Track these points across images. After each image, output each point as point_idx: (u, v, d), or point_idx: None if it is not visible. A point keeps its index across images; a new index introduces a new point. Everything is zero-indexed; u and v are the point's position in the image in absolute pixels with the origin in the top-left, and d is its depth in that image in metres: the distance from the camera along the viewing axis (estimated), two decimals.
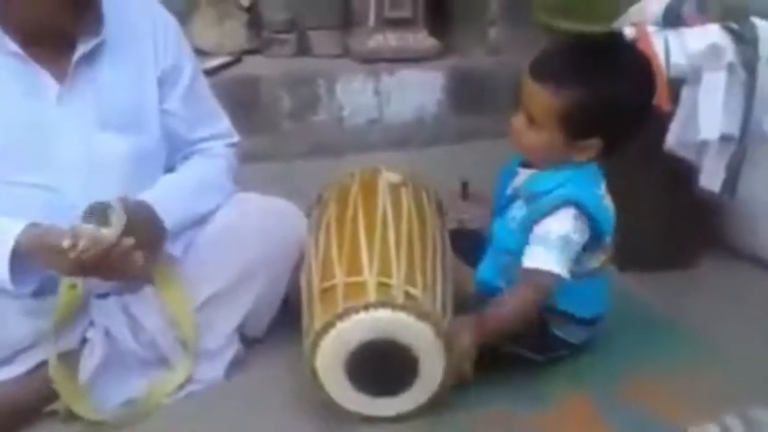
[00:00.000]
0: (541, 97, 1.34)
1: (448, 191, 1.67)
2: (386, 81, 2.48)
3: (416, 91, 2.51)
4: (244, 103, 2.27)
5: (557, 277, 1.33)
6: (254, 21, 2.57)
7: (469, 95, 2.54)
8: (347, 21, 2.60)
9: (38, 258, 1.23)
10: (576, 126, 1.34)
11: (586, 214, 1.35)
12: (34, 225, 1.23)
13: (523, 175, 1.46)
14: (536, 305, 1.34)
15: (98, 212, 1.22)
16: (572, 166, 1.38)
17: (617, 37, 1.54)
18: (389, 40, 2.51)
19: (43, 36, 1.28)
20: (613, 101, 1.31)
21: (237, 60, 2.48)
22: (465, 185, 1.65)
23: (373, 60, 2.49)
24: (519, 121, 1.39)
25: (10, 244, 1.21)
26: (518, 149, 1.44)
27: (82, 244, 1.16)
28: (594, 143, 1.36)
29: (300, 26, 2.55)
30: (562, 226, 1.33)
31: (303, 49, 2.55)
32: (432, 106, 2.53)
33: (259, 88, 2.41)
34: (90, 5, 1.30)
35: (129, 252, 1.21)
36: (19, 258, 1.22)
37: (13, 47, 1.27)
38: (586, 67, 1.33)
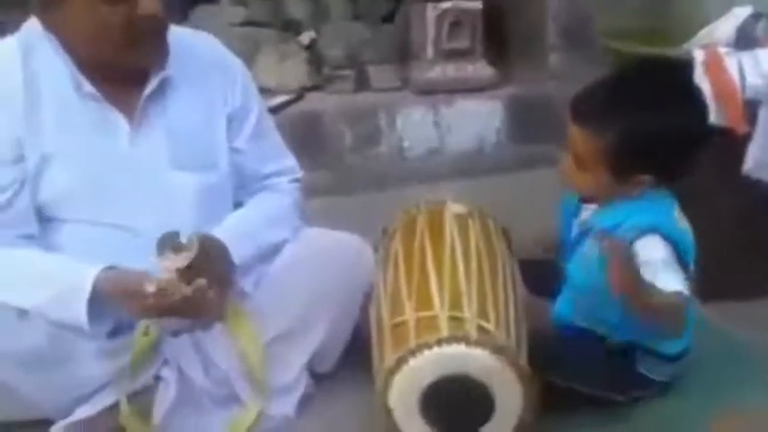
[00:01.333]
0: (583, 139, 1.32)
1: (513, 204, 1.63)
2: (445, 111, 2.48)
3: (476, 120, 2.51)
4: (307, 139, 2.30)
5: (682, 296, 1.25)
6: (315, 58, 2.62)
7: (529, 123, 2.52)
8: (405, 54, 2.62)
9: (114, 301, 1.25)
10: (622, 165, 1.31)
11: (668, 239, 1.29)
12: (111, 268, 1.26)
13: (587, 210, 1.42)
14: (676, 319, 1.27)
15: (169, 240, 1.23)
16: (638, 196, 1.34)
17: (663, 65, 1.49)
18: (448, 70, 2.52)
19: (116, 75, 1.31)
20: (657, 135, 1.27)
21: (300, 97, 2.52)
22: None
23: (432, 92, 2.50)
24: (566, 162, 1.37)
25: (88, 287, 1.23)
26: (568, 186, 1.42)
27: (157, 288, 1.18)
28: (645, 179, 1.32)
29: (359, 61, 2.59)
30: (657, 249, 1.27)
31: (363, 84, 2.58)
32: (491, 135, 2.52)
33: (321, 124, 2.44)
34: (158, 43, 1.32)
35: (202, 291, 1.22)
36: (96, 301, 1.24)
37: (89, 88, 1.30)
38: (626, 104, 1.30)
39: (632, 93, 1.31)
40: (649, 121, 1.27)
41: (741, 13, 1.64)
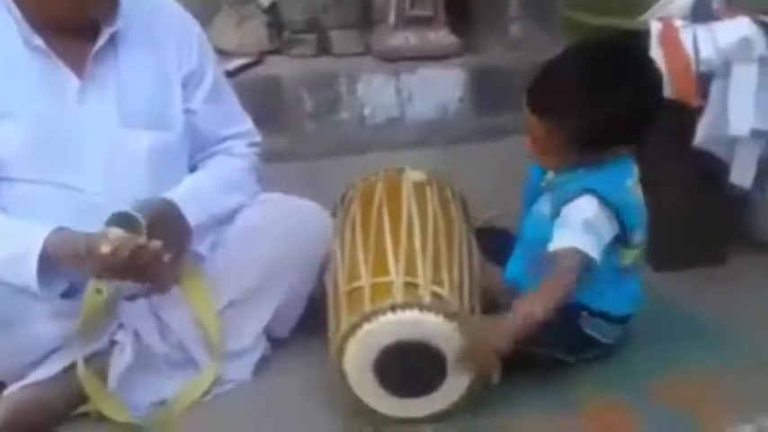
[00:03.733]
0: (543, 130, 1.34)
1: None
2: (407, 79, 2.46)
3: (438, 89, 2.49)
4: (266, 104, 2.26)
5: (583, 256, 1.30)
6: (275, 21, 2.56)
7: (491, 93, 2.51)
8: (368, 19, 2.58)
9: (65, 262, 1.23)
10: (585, 146, 1.33)
11: (609, 205, 1.33)
12: (61, 229, 1.24)
13: (551, 173, 1.44)
14: (566, 290, 1.30)
15: (121, 220, 1.22)
16: (597, 162, 1.37)
17: (611, 41, 1.50)
18: (410, 38, 2.49)
19: (66, 30, 1.28)
20: (613, 114, 1.30)
21: (259, 61, 2.47)
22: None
23: (394, 59, 2.47)
24: (531, 144, 1.38)
25: (38, 249, 1.21)
26: (538, 165, 1.44)
27: (109, 248, 1.16)
28: (608, 152, 1.35)
29: (321, 26, 2.54)
30: (583, 211, 1.32)
31: (324, 49, 2.54)
32: (453, 104, 2.51)
33: (281, 88, 2.40)
34: None
35: (157, 254, 1.21)
36: (46, 262, 1.22)
37: (38, 41, 1.27)
38: (578, 91, 1.31)
39: (583, 76, 1.32)
40: (606, 102, 1.29)
41: None
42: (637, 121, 1.34)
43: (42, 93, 1.29)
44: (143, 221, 1.22)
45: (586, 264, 1.31)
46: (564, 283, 1.29)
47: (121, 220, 1.22)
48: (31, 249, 1.21)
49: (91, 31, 1.30)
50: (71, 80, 1.31)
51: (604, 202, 1.32)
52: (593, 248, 1.30)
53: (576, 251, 1.30)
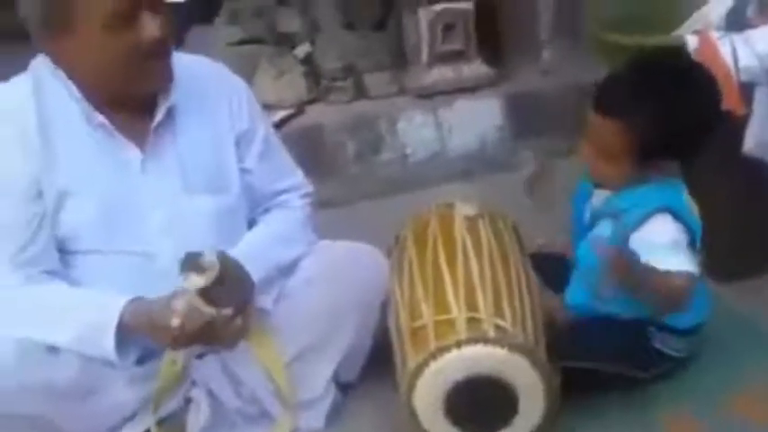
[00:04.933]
0: (609, 131, 1.34)
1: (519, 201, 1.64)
2: (445, 114, 2.51)
3: (476, 120, 2.53)
4: (310, 152, 2.32)
5: (691, 276, 1.31)
6: (311, 71, 2.64)
7: (528, 119, 2.54)
8: (400, 59, 2.64)
9: (140, 333, 1.28)
10: (648, 152, 1.34)
11: (680, 219, 1.34)
12: (135, 299, 1.28)
13: (600, 196, 1.45)
14: (679, 301, 1.32)
15: (191, 260, 1.25)
16: (650, 182, 1.37)
17: (674, 52, 1.52)
18: (444, 72, 2.54)
19: (125, 104, 1.34)
20: (681, 121, 1.31)
21: (300, 111, 2.54)
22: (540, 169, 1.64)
23: (431, 95, 2.52)
24: (588, 152, 1.39)
25: (114, 321, 1.26)
26: (594, 179, 1.44)
27: (185, 322, 1.21)
28: (668, 163, 1.36)
29: (356, 71, 2.61)
30: (666, 230, 1.33)
31: (361, 93, 2.60)
32: (492, 133, 2.54)
33: (323, 136, 2.46)
34: (163, 68, 1.34)
35: (228, 321, 1.25)
36: (122, 332, 1.27)
37: (100, 119, 1.32)
38: (648, 93, 1.33)
39: (652, 81, 1.34)
40: (673, 108, 1.31)
41: None
42: (700, 131, 1.35)
43: (107, 168, 1.35)
44: (216, 260, 1.24)
45: (694, 282, 1.33)
46: (680, 296, 1.33)
47: (194, 260, 1.24)
48: (109, 321, 1.26)
49: (148, 106, 1.36)
50: (134, 153, 1.36)
51: (676, 216, 1.34)
52: (693, 265, 1.32)
53: (687, 273, 1.31)
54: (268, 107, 2.43)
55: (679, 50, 1.58)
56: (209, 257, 1.25)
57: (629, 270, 1.30)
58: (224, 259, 1.28)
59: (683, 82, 1.34)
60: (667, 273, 1.31)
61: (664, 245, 1.31)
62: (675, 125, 1.31)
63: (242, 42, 2.76)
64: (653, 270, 1.31)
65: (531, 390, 1.27)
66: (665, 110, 1.31)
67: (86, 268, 1.36)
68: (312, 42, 2.72)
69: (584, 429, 1.34)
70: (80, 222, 1.34)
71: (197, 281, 1.23)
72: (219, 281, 1.24)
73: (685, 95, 1.32)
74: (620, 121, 1.33)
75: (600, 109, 1.35)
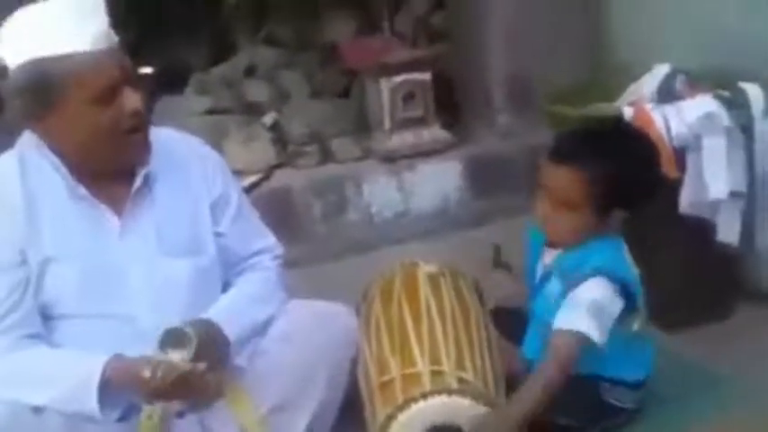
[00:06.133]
0: (568, 178, 1.44)
1: (480, 258, 1.74)
2: (408, 176, 2.62)
3: (437, 182, 2.64)
4: (278, 214, 2.37)
5: (583, 338, 1.38)
6: (279, 137, 2.74)
7: (486, 180, 2.67)
8: (364, 125, 2.76)
9: (123, 388, 1.33)
10: (605, 200, 1.44)
11: (617, 282, 1.44)
12: (119, 356, 1.34)
13: (550, 254, 1.56)
14: (561, 372, 1.38)
15: (173, 337, 1.33)
16: (595, 239, 1.49)
17: (617, 119, 1.69)
18: (406, 138, 2.65)
19: (104, 174, 1.41)
20: (631, 173, 1.44)
21: (268, 176, 2.62)
22: (497, 251, 1.75)
23: (394, 159, 2.64)
24: (544, 207, 1.49)
25: (97, 378, 1.31)
26: (549, 236, 1.54)
27: (159, 374, 1.27)
28: (618, 214, 1.48)
29: (322, 136, 2.72)
30: (592, 293, 1.42)
31: (327, 157, 2.70)
32: (453, 193, 2.67)
33: (291, 198, 2.54)
34: (142, 140, 1.42)
35: (202, 376, 1.32)
36: (105, 389, 1.32)
37: (82, 191, 1.40)
38: (603, 146, 1.45)
39: (606, 136, 1.48)
40: (624, 161, 1.43)
41: (660, 70, 1.84)
42: (644, 180, 1.47)
43: (87, 235, 1.41)
44: (194, 336, 1.32)
45: (586, 346, 1.40)
46: (559, 372, 1.38)
47: (173, 336, 1.32)
48: (92, 378, 1.31)
49: (127, 173, 1.44)
50: (112, 220, 1.43)
51: (612, 279, 1.43)
52: (596, 331, 1.39)
53: (578, 334, 1.39)
54: (237, 173, 2.50)
55: (619, 120, 1.74)
56: (187, 331, 1.33)
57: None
58: (201, 331, 1.35)
59: (627, 141, 1.48)
60: (563, 332, 1.40)
61: (580, 304, 1.41)
62: (626, 176, 1.43)
63: (210, 112, 2.86)
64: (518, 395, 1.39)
65: None
66: (616, 161, 1.43)
67: (68, 332, 1.41)
68: (279, 110, 2.84)
69: None
70: (62, 288, 1.39)
71: (176, 357, 1.31)
72: (198, 354, 1.32)
73: (630, 152, 1.45)
74: (579, 168, 1.43)
75: (558, 158, 1.45)
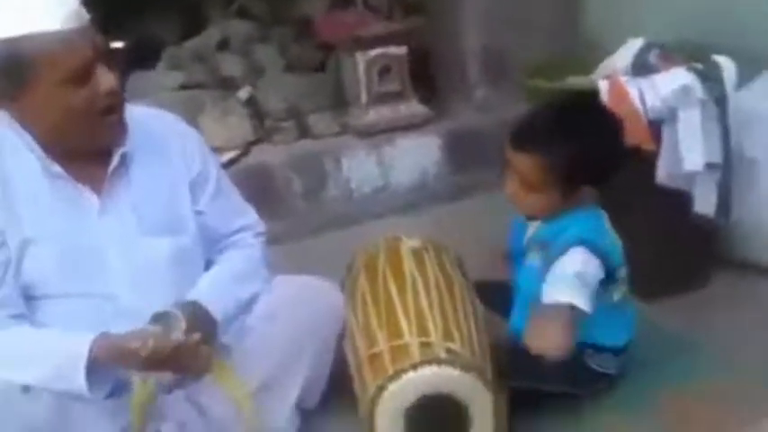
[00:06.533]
0: (529, 164, 1.48)
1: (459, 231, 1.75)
2: (386, 150, 2.63)
3: (415, 156, 2.66)
4: (257, 191, 2.35)
5: (578, 310, 1.43)
6: (255, 112, 2.73)
7: (464, 154, 2.69)
8: (341, 100, 2.75)
9: (111, 363, 1.34)
10: (568, 180, 1.48)
11: (596, 251, 1.47)
12: (105, 334, 1.34)
13: (532, 227, 1.60)
14: (566, 339, 1.44)
15: (161, 320, 1.34)
16: (573, 210, 1.52)
17: (583, 96, 1.70)
18: (383, 112, 2.66)
19: (81, 154, 1.40)
20: (592, 152, 1.46)
21: (246, 152, 2.61)
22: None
23: (372, 133, 2.65)
24: (512, 186, 1.52)
25: (84, 355, 1.31)
26: (521, 212, 1.58)
27: (152, 343, 1.28)
28: (587, 190, 1.51)
29: (299, 111, 2.71)
30: (574, 264, 1.45)
31: (304, 132, 2.70)
32: (432, 167, 2.68)
33: (270, 175, 2.54)
34: (117, 119, 1.40)
35: (196, 346, 1.33)
36: (92, 366, 1.32)
37: (57, 169, 1.38)
38: (562, 128, 1.48)
39: (567, 117, 1.50)
40: (584, 140, 1.46)
41: (635, 43, 1.86)
42: (607, 157, 1.50)
43: (65, 215, 1.40)
44: (182, 318, 1.33)
45: (580, 316, 1.44)
46: (564, 339, 1.44)
47: (161, 319, 1.33)
48: (79, 356, 1.31)
49: (103, 153, 1.42)
50: (91, 199, 1.42)
51: (592, 249, 1.47)
52: (584, 300, 1.44)
53: (572, 306, 1.43)
54: (214, 149, 2.48)
55: (589, 94, 1.76)
56: (176, 312, 1.34)
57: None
58: (189, 313, 1.36)
59: (589, 119, 1.50)
60: (557, 306, 1.44)
61: (566, 276, 1.44)
62: (583, 150, 1.45)
63: (184, 87, 2.83)
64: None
65: (482, 406, 1.39)
66: (576, 141, 1.46)
67: (50, 312, 1.40)
68: (253, 85, 2.81)
69: None
70: (43, 268, 1.39)
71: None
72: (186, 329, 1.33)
73: (592, 129, 1.48)
74: (536, 155, 1.46)
75: (517, 145, 1.49)
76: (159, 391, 1.44)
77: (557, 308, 1.44)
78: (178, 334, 1.32)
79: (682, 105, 1.71)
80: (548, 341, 1.45)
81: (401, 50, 2.63)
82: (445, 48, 2.81)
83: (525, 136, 1.49)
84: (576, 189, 1.50)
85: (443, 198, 2.62)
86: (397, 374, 1.37)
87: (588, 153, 1.46)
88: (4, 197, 1.37)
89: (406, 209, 2.57)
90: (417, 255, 1.66)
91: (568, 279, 1.44)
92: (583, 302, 1.43)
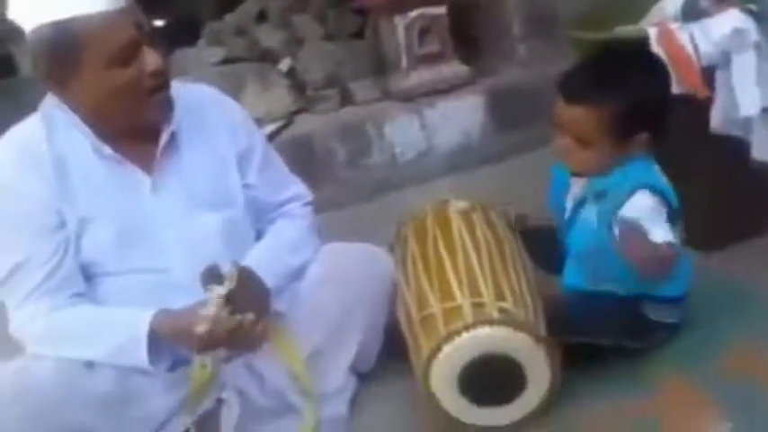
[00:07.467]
0: (579, 118, 1.45)
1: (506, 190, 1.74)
2: (429, 114, 2.61)
3: (459, 117, 2.63)
4: (302, 161, 2.39)
5: (673, 244, 1.42)
6: (296, 83, 2.74)
7: (509, 111, 2.66)
8: (381, 65, 2.74)
9: (170, 341, 1.38)
10: (620, 131, 1.45)
11: (659, 193, 1.45)
12: (164, 310, 1.38)
13: (579, 183, 1.56)
14: (666, 269, 1.44)
15: (210, 272, 1.35)
16: (626, 161, 1.49)
17: (633, 44, 1.65)
18: (424, 75, 2.64)
19: (130, 134, 1.43)
20: (645, 99, 1.43)
21: (289, 123, 2.63)
22: (521, 219, 1.77)
23: (414, 97, 2.62)
24: (564, 143, 1.49)
25: (145, 332, 1.35)
26: (573, 169, 1.54)
27: (208, 326, 1.30)
28: (642, 137, 1.47)
29: (340, 79, 2.70)
30: (647, 204, 1.43)
31: (346, 100, 2.70)
32: (476, 128, 2.65)
33: (313, 144, 2.56)
34: (164, 98, 1.42)
35: (252, 326, 1.35)
36: (153, 342, 1.36)
37: (108, 150, 1.41)
38: (612, 78, 1.44)
39: (618, 67, 1.46)
40: (635, 89, 1.42)
41: None
42: (657, 106, 1.47)
43: (119, 193, 1.44)
44: (235, 271, 1.34)
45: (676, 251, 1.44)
46: (665, 269, 1.45)
47: (213, 273, 1.34)
48: (140, 332, 1.35)
49: (152, 132, 1.45)
50: (142, 177, 1.45)
51: (655, 191, 1.44)
52: (673, 235, 1.43)
53: (669, 244, 1.42)
54: (257, 121, 2.51)
55: (639, 42, 1.70)
56: (227, 268, 1.35)
57: (643, 246, 1.41)
58: (240, 269, 1.38)
59: (642, 63, 1.47)
60: (654, 244, 1.42)
61: (646, 219, 1.42)
62: (642, 98, 1.42)
63: (225, 62, 2.85)
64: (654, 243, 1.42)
65: (536, 363, 1.39)
66: (627, 90, 1.42)
67: (107, 289, 1.44)
68: (293, 56, 2.81)
69: (586, 396, 1.45)
70: (100, 246, 1.42)
71: (219, 290, 1.33)
72: (239, 288, 1.34)
73: (642, 77, 1.44)
74: (587, 106, 1.43)
75: (569, 98, 1.46)
76: (218, 361, 1.48)
77: (654, 249, 1.43)
78: (228, 285, 1.32)
79: (735, 49, 1.64)
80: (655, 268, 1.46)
81: (440, 9, 2.59)
82: (486, 4, 2.75)
83: (578, 88, 1.46)
84: (628, 140, 1.46)
85: (488, 159, 2.60)
86: (451, 336, 1.37)
87: (641, 102, 1.42)
88: (60, 177, 1.40)
89: (450, 171, 2.56)
90: (466, 216, 1.65)
91: (651, 221, 1.42)
92: (670, 236, 1.42)
